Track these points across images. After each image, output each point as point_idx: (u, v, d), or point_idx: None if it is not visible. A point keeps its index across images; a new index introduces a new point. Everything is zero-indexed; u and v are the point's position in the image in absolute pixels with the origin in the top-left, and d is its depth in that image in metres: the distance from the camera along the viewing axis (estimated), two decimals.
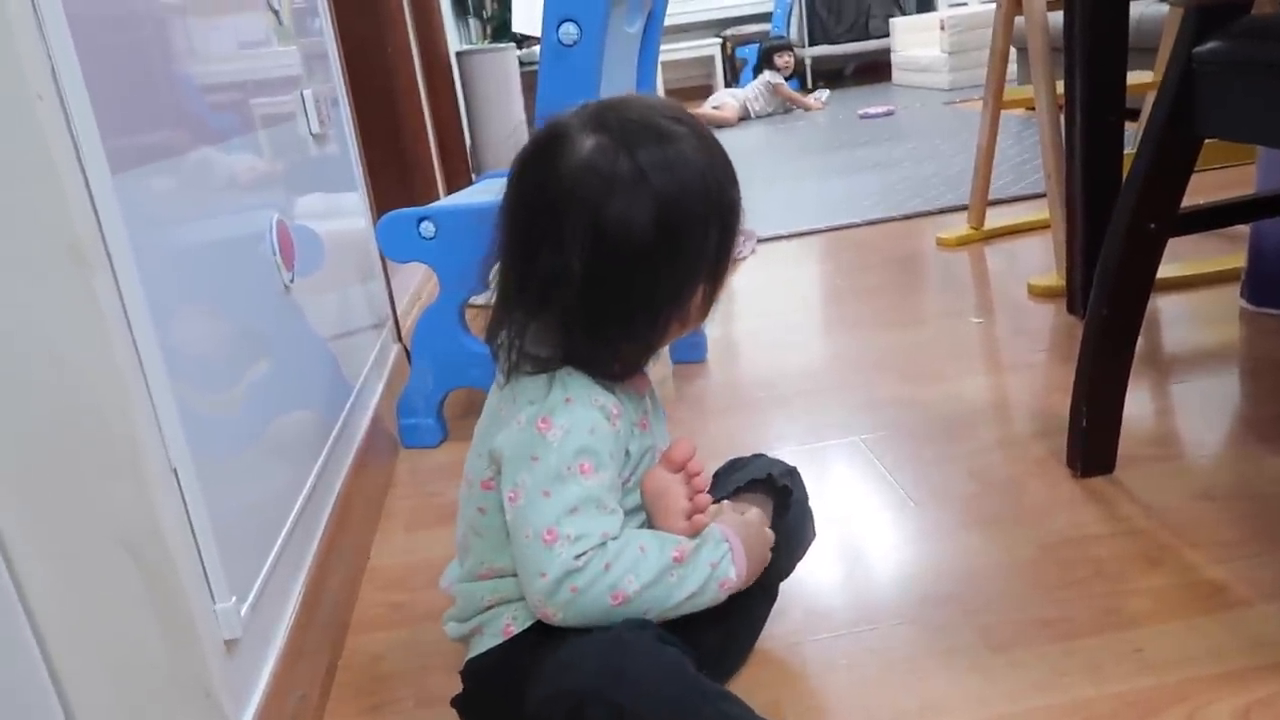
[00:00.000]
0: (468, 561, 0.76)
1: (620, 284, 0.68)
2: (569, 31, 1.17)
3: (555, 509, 0.67)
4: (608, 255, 0.66)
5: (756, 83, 5.24)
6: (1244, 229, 1.62)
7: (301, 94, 1.24)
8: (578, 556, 0.66)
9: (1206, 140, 0.95)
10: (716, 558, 0.72)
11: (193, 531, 0.70)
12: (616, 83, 1.34)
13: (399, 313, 1.74)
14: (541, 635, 0.71)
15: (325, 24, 1.50)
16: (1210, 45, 0.89)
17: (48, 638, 0.67)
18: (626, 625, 0.67)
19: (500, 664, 0.74)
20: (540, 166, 0.70)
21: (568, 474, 0.68)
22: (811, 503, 0.90)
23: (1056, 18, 1.71)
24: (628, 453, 0.73)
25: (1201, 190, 1.05)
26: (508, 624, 0.74)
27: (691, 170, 0.68)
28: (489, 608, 0.75)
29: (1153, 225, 0.97)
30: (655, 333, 0.72)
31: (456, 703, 0.79)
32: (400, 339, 1.69)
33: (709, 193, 0.69)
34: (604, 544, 0.68)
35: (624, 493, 0.73)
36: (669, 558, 0.70)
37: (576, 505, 0.67)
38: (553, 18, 1.17)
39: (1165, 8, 2.33)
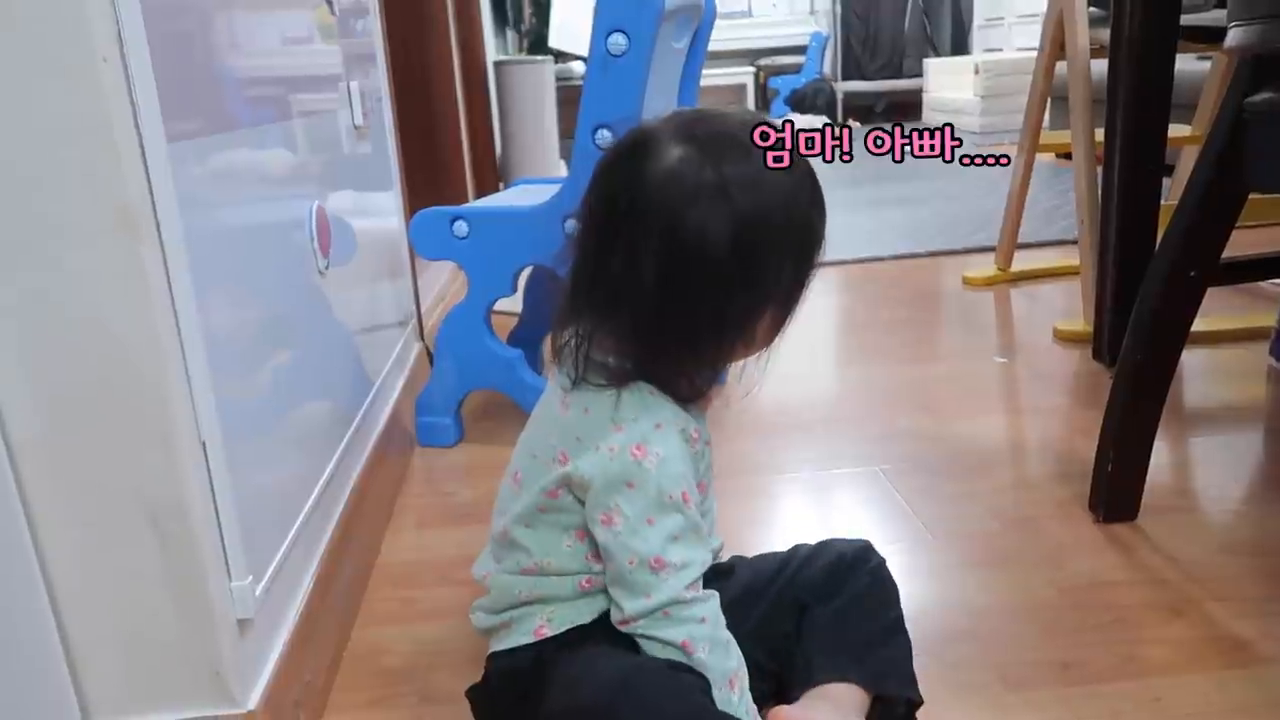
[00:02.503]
0: (511, 555, 0.75)
1: (689, 296, 0.67)
2: (618, 42, 1.17)
3: (660, 537, 0.67)
4: (679, 265, 0.66)
5: (802, 119, 5.26)
6: (1274, 290, 1.61)
7: (348, 86, 1.25)
8: (688, 586, 0.68)
9: (1249, 196, 0.95)
10: None
11: (215, 507, 0.69)
12: (660, 97, 1.35)
13: (423, 312, 1.75)
14: (571, 643, 0.71)
15: (374, 24, 1.52)
16: (1265, 95, 0.88)
17: (62, 603, 0.67)
18: (643, 656, 0.68)
19: (532, 666, 0.73)
20: (624, 169, 0.69)
21: (669, 503, 0.68)
22: (828, 528, 0.88)
23: (1098, 66, 1.71)
24: (698, 469, 0.73)
25: (1236, 248, 1.03)
26: (541, 625, 0.73)
27: (775, 192, 0.67)
28: (524, 604, 0.75)
29: (1193, 272, 0.97)
30: (719, 351, 0.71)
31: (474, 693, 0.78)
32: (423, 338, 1.69)
33: (790, 218, 0.68)
34: (712, 595, 0.70)
35: None
36: (728, 675, 0.69)
37: (678, 534, 0.68)
38: (602, 28, 1.18)
39: (1205, 65, 2.32)
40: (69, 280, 0.62)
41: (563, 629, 0.73)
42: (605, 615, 0.72)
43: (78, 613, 0.68)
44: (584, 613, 0.73)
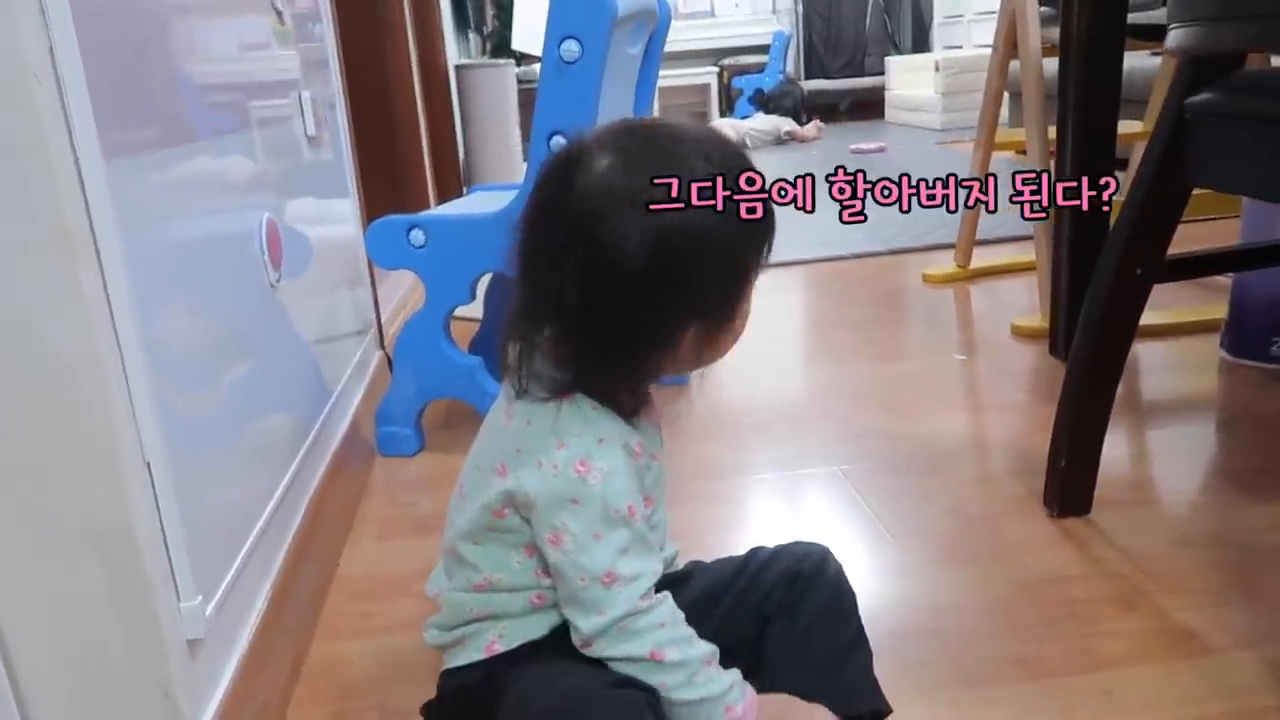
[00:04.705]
0: (461, 571, 0.75)
1: (609, 307, 0.66)
2: (570, 49, 1.17)
3: (609, 552, 0.67)
4: (599, 275, 0.65)
5: (768, 119, 5.28)
6: (1225, 281, 1.65)
7: (299, 96, 1.24)
8: (642, 597, 0.68)
9: (1194, 192, 0.97)
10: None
11: (162, 528, 0.68)
12: (615, 103, 1.35)
13: (383, 321, 1.73)
14: (523, 658, 0.71)
15: (327, 29, 1.50)
16: (1204, 96, 0.90)
17: (6, 628, 0.66)
18: (590, 673, 0.68)
19: (484, 682, 0.73)
20: (555, 181, 0.68)
21: (615, 517, 0.67)
22: (790, 530, 0.89)
23: (1050, 64, 1.74)
24: (643, 483, 0.72)
25: (1185, 242, 1.05)
26: (492, 641, 0.73)
27: (701, 209, 0.66)
28: (476, 620, 0.74)
29: (1139, 271, 0.98)
30: (644, 364, 0.70)
31: (428, 711, 0.78)
32: (383, 346, 1.68)
33: (714, 235, 0.66)
34: (665, 596, 0.70)
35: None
36: (704, 659, 0.70)
37: (627, 547, 0.68)
38: (555, 34, 1.17)
39: (1156, 61, 2.37)
40: (5, 301, 0.61)
41: (514, 644, 0.73)
42: (557, 629, 0.72)
43: (22, 636, 0.66)
44: (536, 628, 0.73)
